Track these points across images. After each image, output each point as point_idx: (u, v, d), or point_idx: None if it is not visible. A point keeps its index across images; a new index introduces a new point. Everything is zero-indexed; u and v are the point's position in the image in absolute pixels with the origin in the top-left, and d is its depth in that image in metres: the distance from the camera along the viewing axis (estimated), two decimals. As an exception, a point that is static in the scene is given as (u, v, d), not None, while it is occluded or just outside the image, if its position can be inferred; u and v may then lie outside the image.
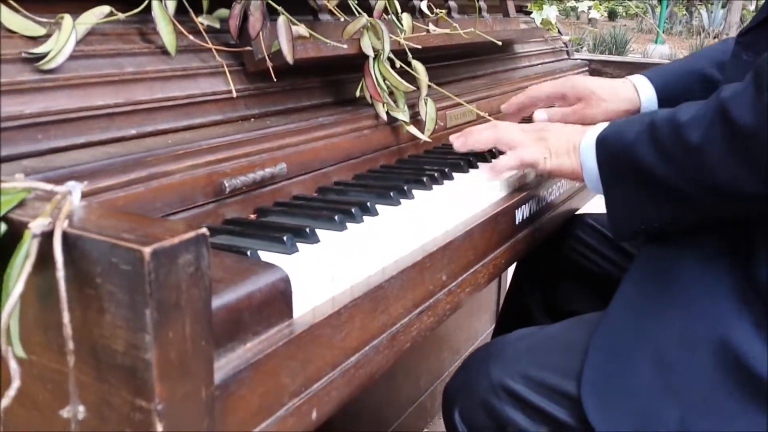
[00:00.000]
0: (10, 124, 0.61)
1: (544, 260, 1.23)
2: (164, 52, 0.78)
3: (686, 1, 16.05)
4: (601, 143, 0.86)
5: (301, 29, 0.86)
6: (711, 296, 0.78)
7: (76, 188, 0.46)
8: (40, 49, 0.65)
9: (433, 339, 1.72)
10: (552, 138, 0.93)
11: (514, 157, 0.93)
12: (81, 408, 0.43)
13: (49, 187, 0.47)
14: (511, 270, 1.39)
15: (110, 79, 0.71)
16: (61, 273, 0.41)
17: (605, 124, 0.87)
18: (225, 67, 0.82)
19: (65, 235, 0.42)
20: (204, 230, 0.43)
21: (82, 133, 0.66)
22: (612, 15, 16.17)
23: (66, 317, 0.41)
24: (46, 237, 0.43)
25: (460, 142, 1.01)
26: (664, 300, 0.81)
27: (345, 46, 0.89)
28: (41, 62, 0.65)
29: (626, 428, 0.77)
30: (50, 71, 0.66)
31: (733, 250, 0.79)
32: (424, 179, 0.92)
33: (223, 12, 0.85)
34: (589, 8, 1.74)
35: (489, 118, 1.19)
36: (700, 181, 0.74)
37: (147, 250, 0.40)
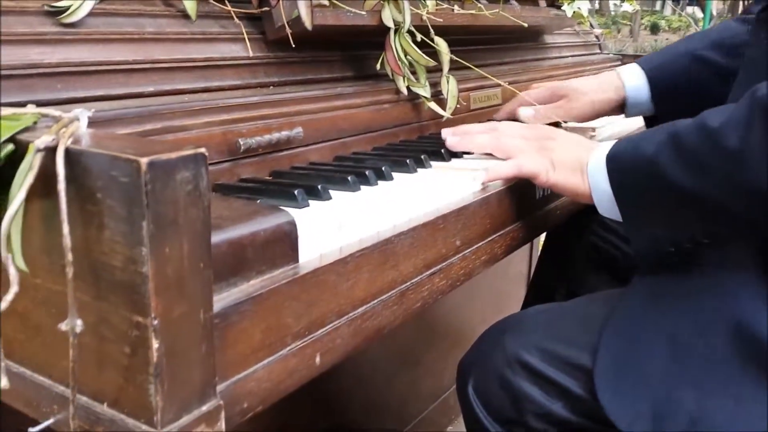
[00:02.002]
0: (30, 72, 0.63)
1: (569, 245, 1.22)
2: (185, 15, 0.79)
3: (730, 14, 15.80)
4: (613, 161, 0.79)
5: (322, -2, 0.87)
6: (730, 278, 0.75)
7: (83, 114, 0.48)
8: (61, 3, 0.67)
9: (457, 334, 1.71)
10: (557, 149, 0.87)
11: (513, 165, 0.85)
12: (79, 321, 0.43)
13: (57, 113, 0.48)
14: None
15: (130, 36, 0.72)
16: (62, 185, 0.42)
17: (612, 142, 0.81)
18: (245, 33, 0.84)
19: (68, 152, 0.43)
20: (203, 150, 0.44)
21: (100, 85, 0.68)
22: (654, 29, 15.99)
23: (66, 228, 0.42)
24: (50, 154, 0.44)
25: (454, 141, 0.94)
26: (681, 283, 0.78)
27: (365, 14, 0.89)
28: (62, 15, 0.67)
29: (642, 415, 0.74)
30: (71, 25, 0.68)
31: (753, 234, 0.76)
32: (443, 151, 0.92)
33: (245, -18, 0.87)
34: (623, 1, 1.72)
35: (517, 92, 1.18)
36: (741, 190, 0.68)
37: (144, 161, 0.40)
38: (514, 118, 1.19)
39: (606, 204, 0.80)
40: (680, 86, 1.15)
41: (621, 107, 1.20)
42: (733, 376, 0.72)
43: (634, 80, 1.17)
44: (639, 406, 0.75)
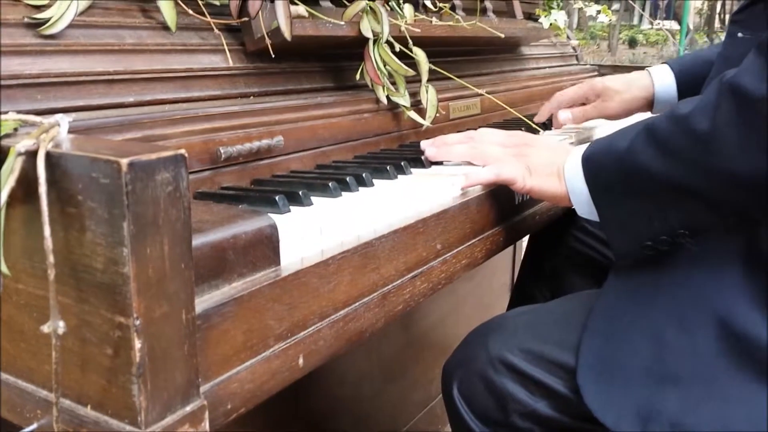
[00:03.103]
0: (11, 83, 0.63)
1: (550, 250, 1.23)
2: (165, 27, 0.80)
3: (706, 27, 16.05)
4: (589, 160, 0.80)
5: (301, 9, 0.89)
6: (711, 274, 0.76)
7: (63, 120, 0.48)
8: (42, 15, 0.68)
9: (445, 344, 1.71)
10: (534, 156, 0.88)
11: (491, 171, 0.86)
12: (61, 323, 0.44)
13: (38, 119, 0.49)
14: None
15: (110, 48, 0.73)
16: (43, 188, 0.42)
17: (586, 145, 0.83)
18: (225, 45, 0.85)
19: (48, 155, 0.44)
20: (183, 151, 0.45)
21: (80, 96, 0.68)
22: (632, 42, 16.19)
23: (47, 230, 0.42)
24: (31, 158, 0.44)
25: (432, 152, 0.94)
26: (660, 279, 0.80)
27: (344, 25, 0.91)
28: (43, 27, 0.68)
29: (626, 412, 0.75)
30: (52, 36, 0.68)
31: (733, 226, 0.77)
32: (423, 158, 0.93)
33: (224, -3, 0.88)
34: (598, 12, 1.75)
35: (504, 106, 1.21)
36: (714, 173, 0.69)
37: (124, 161, 0.41)
38: (551, 115, 1.29)
39: (584, 205, 0.82)
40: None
41: (649, 105, 1.24)
42: (717, 374, 0.73)
43: (664, 79, 1.22)
44: (623, 404, 0.76)
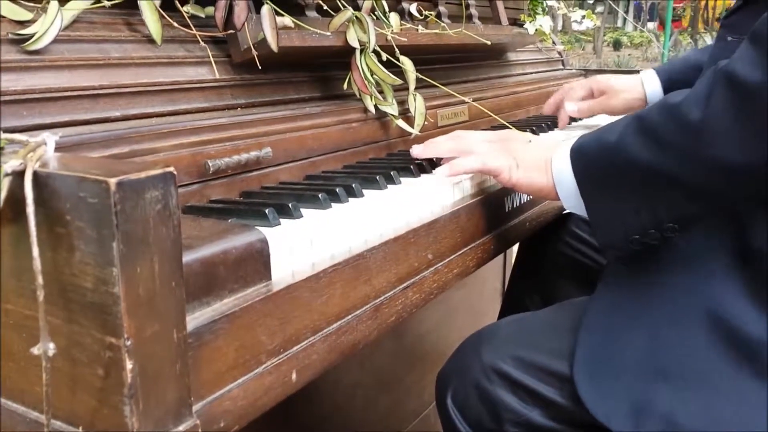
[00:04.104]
0: (-5, 100, 0.63)
1: (540, 256, 1.24)
2: (150, 40, 0.79)
3: (691, 29, 16.18)
4: (577, 152, 0.80)
5: (287, 20, 0.88)
6: (702, 269, 0.77)
7: (50, 139, 0.48)
8: (26, 31, 0.67)
9: (438, 351, 1.71)
10: (520, 149, 0.88)
11: (478, 160, 0.86)
12: (51, 345, 0.43)
13: (24, 138, 0.48)
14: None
15: (95, 62, 0.72)
16: (31, 208, 0.42)
17: (574, 139, 0.82)
18: (211, 57, 0.84)
19: (36, 175, 0.43)
20: (171, 169, 0.44)
21: (66, 111, 0.68)
22: (617, 45, 16.28)
23: (35, 251, 0.42)
24: (18, 178, 0.44)
25: (418, 150, 0.95)
26: (652, 276, 0.80)
27: (330, 35, 0.90)
28: (27, 43, 0.67)
29: (620, 407, 0.76)
30: (36, 52, 0.68)
31: (723, 221, 0.77)
32: (412, 167, 0.93)
33: (209, 9, 0.87)
34: (583, 17, 1.75)
35: (491, 114, 1.22)
36: (704, 162, 0.68)
37: (113, 181, 0.41)
38: (559, 105, 1.39)
39: (572, 198, 0.81)
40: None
41: (642, 107, 1.30)
42: (710, 370, 0.73)
43: (652, 84, 1.31)
44: (617, 398, 0.76)
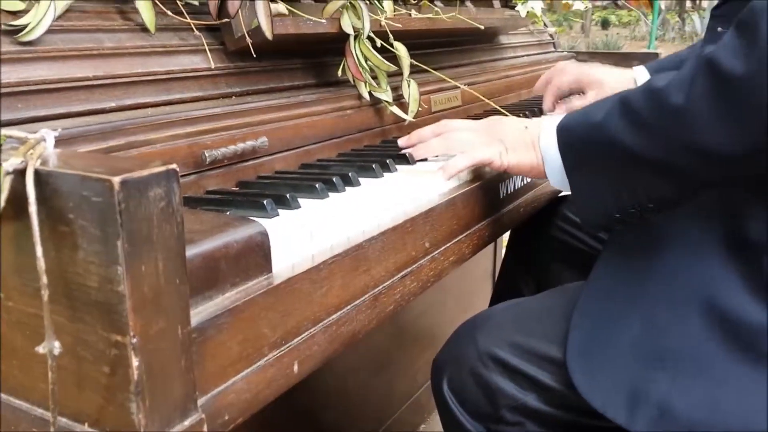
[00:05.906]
0: (-11, 93, 0.62)
1: (533, 241, 1.24)
2: (144, 29, 0.79)
3: (678, 7, 16.16)
4: (563, 130, 0.81)
5: (281, 7, 0.88)
6: (696, 256, 0.78)
7: (49, 135, 0.47)
8: (19, 22, 0.66)
9: (430, 333, 1.72)
10: (507, 133, 0.89)
11: (467, 157, 0.87)
12: (56, 344, 0.43)
13: (23, 134, 0.48)
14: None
15: (89, 53, 0.72)
16: (33, 207, 0.42)
17: (562, 116, 0.84)
18: (205, 45, 0.83)
19: (37, 173, 0.43)
20: (174, 166, 0.44)
21: (61, 103, 0.67)
22: (605, 24, 16.27)
23: (39, 250, 0.41)
24: (20, 176, 0.43)
25: (409, 150, 0.95)
26: (649, 263, 0.81)
27: (324, 22, 0.90)
28: (20, 34, 0.66)
29: (615, 393, 0.76)
30: (29, 43, 0.67)
31: (717, 208, 0.78)
32: (407, 154, 0.93)
33: (203, -4, 0.87)
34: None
35: (483, 99, 1.21)
36: (685, 147, 0.69)
37: (116, 180, 0.40)
38: (548, 83, 1.34)
39: (557, 175, 0.83)
40: None
41: None
42: (707, 354, 0.74)
43: (642, 80, 1.25)
44: (612, 385, 0.76)
